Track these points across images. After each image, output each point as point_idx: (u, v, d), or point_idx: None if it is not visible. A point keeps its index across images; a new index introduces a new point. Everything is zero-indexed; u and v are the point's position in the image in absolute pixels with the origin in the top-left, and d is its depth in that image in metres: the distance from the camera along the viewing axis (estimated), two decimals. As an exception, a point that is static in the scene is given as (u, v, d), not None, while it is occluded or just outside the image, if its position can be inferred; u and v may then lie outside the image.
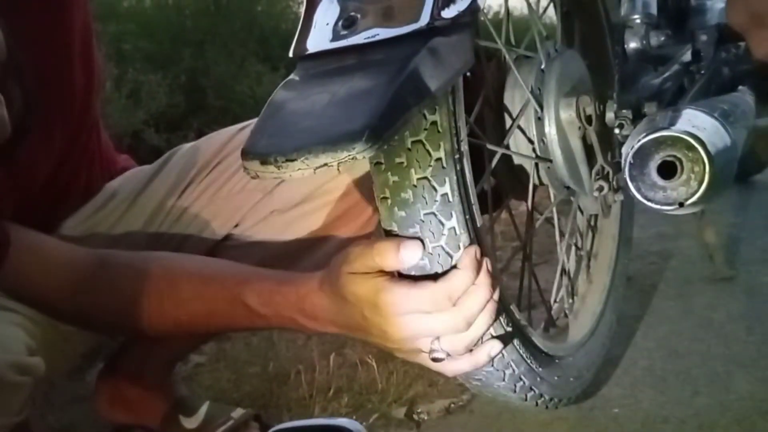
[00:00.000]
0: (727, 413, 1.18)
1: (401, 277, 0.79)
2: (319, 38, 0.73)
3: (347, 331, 0.84)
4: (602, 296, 1.33)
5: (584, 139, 1.11)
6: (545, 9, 1.19)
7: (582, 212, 1.30)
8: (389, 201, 0.79)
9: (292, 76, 0.73)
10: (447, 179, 0.78)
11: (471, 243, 0.80)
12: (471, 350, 0.81)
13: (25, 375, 0.85)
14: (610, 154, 1.16)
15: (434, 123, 0.77)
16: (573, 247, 1.31)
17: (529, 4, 1.11)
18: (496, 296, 0.80)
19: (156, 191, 1.14)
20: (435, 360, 0.80)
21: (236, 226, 1.14)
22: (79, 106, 1.05)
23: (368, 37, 0.70)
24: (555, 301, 1.25)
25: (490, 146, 1.02)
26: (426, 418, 1.29)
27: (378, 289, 0.77)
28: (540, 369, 1.02)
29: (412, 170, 0.78)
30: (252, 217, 1.13)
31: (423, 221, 0.79)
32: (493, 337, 0.86)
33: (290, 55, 0.74)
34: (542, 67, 1.07)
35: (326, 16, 0.73)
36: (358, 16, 0.71)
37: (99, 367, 1.27)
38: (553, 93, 1.06)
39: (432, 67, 0.69)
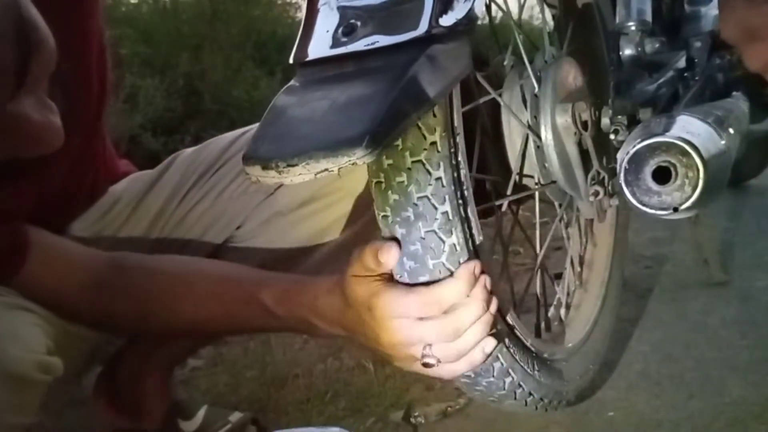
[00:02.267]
0: (720, 417, 1.19)
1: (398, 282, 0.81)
2: (319, 45, 0.74)
3: (352, 333, 0.86)
4: (597, 301, 1.34)
5: (580, 144, 1.12)
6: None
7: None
8: (383, 185, 0.80)
9: (292, 82, 0.74)
10: (441, 164, 0.79)
11: (462, 228, 0.81)
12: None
13: (47, 374, 0.86)
14: (605, 159, 1.17)
15: None
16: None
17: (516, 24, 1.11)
18: (493, 309, 0.81)
19: (159, 195, 1.15)
20: (426, 365, 0.81)
21: (238, 228, 1.15)
22: (94, 111, 1.06)
23: (368, 44, 0.71)
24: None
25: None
26: (423, 421, 1.30)
27: (372, 292, 0.79)
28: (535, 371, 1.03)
29: (407, 153, 0.79)
30: (254, 219, 1.14)
31: (417, 205, 0.80)
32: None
33: (290, 61, 0.75)
34: (536, 92, 1.08)
35: (326, 23, 0.74)
36: (358, 23, 0.72)
37: (96, 371, 1.28)
38: (549, 99, 1.07)
39: (430, 73, 0.70)
